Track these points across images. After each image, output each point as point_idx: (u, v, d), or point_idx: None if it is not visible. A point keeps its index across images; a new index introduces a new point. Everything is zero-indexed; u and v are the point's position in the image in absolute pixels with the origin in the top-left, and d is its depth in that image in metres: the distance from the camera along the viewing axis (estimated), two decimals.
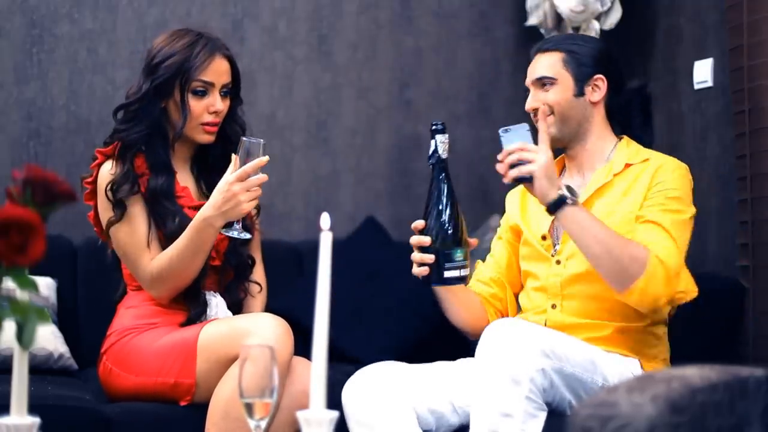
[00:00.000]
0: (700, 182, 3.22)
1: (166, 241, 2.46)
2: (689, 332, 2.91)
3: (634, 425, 1.14)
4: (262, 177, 2.33)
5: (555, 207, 2.16)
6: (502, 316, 2.39)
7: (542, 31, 3.52)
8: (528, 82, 2.41)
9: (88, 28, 3.42)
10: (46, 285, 2.92)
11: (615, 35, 3.56)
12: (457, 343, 3.22)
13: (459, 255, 2.12)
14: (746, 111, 2.80)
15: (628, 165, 2.32)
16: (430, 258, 2.11)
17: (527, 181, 2.17)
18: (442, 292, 2.31)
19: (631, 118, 2.44)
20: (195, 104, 2.49)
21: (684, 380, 1.23)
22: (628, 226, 2.24)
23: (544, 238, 2.37)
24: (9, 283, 1.25)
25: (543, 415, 2.02)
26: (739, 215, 2.89)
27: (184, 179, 2.58)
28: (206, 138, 2.53)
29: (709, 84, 3.18)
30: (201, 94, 2.49)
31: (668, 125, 3.42)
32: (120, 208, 2.45)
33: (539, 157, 2.16)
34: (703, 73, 3.20)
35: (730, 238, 3.03)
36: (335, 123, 3.64)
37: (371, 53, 3.69)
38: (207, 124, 2.50)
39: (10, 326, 1.25)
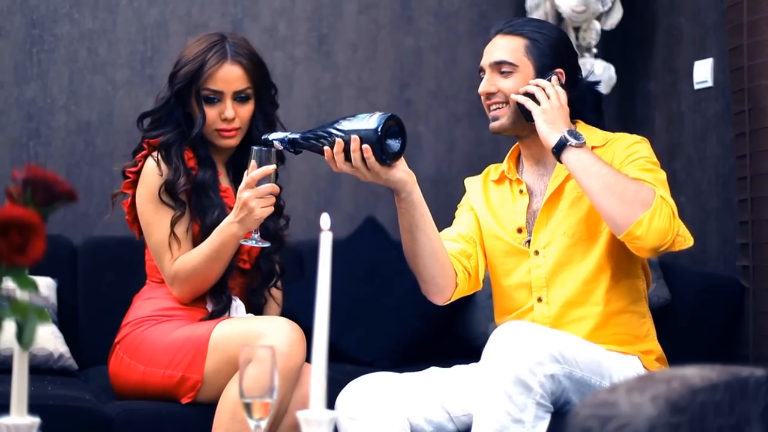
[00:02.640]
0: (700, 182, 3.23)
1: (201, 235, 2.47)
2: (689, 332, 2.91)
3: (634, 425, 1.14)
4: (272, 186, 2.32)
5: (558, 150, 2.17)
6: (470, 277, 2.32)
7: None
8: (485, 62, 2.34)
9: (88, 28, 3.42)
10: (46, 285, 2.92)
11: (615, 35, 3.57)
12: (457, 344, 3.23)
13: (363, 115, 2.11)
14: (746, 111, 2.80)
15: (593, 147, 2.28)
16: (359, 143, 2.08)
17: (526, 114, 2.25)
18: (411, 223, 2.18)
19: (583, 112, 2.39)
20: (209, 111, 2.52)
21: (684, 380, 1.23)
22: None
23: (520, 231, 2.33)
24: (9, 283, 1.25)
25: (549, 417, 2.02)
26: (739, 215, 2.89)
27: (226, 182, 2.61)
28: (225, 142, 2.55)
29: (709, 84, 3.18)
30: (212, 101, 2.52)
31: (668, 125, 3.42)
32: (181, 205, 2.48)
33: (543, 102, 2.21)
34: (703, 73, 3.21)
35: (730, 238, 3.03)
36: None
37: (371, 53, 3.69)
38: (222, 129, 2.53)
39: (10, 326, 1.25)
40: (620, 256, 2.26)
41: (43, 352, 2.74)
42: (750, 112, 2.79)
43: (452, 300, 2.32)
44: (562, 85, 2.27)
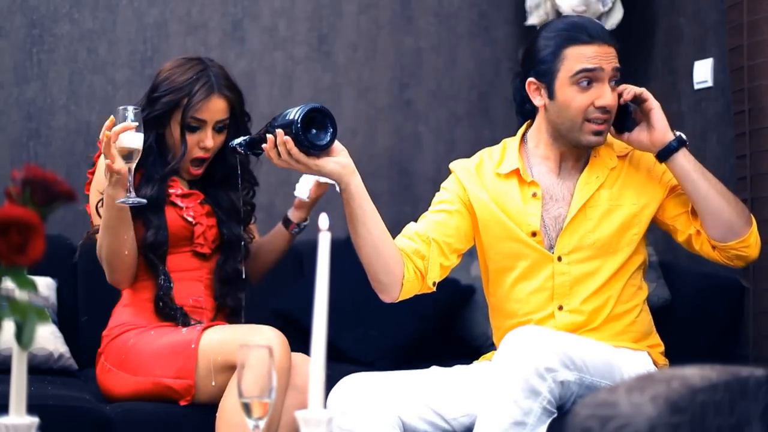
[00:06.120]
0: None
1: (141, 249, 2.52)
2: (689, 332, 2.91)
3: (634, 425, 1.14)
4: (115, 133, 2.28)
5: (669, 151, 2.21)
6: (422, 277, 2.23)
7: None
8: (608, 67, 2.23)
9: (88, 28, 3.42)
10: (46, 285, 2.92)
11: (616, 35, 3.56)
12: (457, 344, 3.23)
13: (292, 109, 2.13)
14: (746, 111, 2.80)
15: (621, 158, 2.35)
16: (282, 137, 2.08)
17: (630, 115, 2.26)
18: (351, 215, 2.16)
19: None
20: (189, 138, 2.56)
21: (684, 380, 1.23)
22: (634, 216, 2.29)
23: (534, 234, 2.28)
24: (9, 283, 1.25)
25: (550, 419, 2.02)
26: None
27: (186, 186, 2.65)
28: (192, 176, 2.60)
29: (709, 84, 3.18)
30: (193, 129, 2.56)
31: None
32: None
33: (655, 101, 2.25)
34: (703, 73, 3.20)
35: None
36: None
37: (371, 53, 3.69)
38: (196, 159, 2.57)
39: (10, 326, 1.25)
40: (634, 265, 2.31)
41: (43, 352, 2.74)
42: (750, 112, 2.79)
43: (401, 299, 2.25)
44: None
